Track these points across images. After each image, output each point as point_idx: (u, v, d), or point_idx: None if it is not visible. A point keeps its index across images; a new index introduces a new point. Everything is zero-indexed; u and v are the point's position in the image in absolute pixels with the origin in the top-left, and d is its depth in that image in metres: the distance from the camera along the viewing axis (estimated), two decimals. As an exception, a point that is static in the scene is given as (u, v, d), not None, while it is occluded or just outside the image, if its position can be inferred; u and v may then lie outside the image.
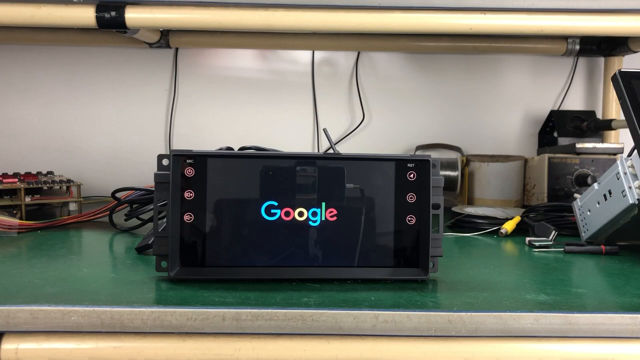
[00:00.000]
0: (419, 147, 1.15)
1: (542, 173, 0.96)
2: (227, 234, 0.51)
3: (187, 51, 1.17)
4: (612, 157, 0.95)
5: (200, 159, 0.51)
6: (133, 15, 0.73)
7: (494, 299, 0.48)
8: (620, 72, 0.62)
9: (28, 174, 0.88)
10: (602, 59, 1.16)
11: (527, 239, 0.72)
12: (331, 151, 0.57)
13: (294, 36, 1.09)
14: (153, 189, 0.63)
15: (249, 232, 0.51)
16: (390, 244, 0.53)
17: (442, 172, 1.03)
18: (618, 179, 0.63)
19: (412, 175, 0.53)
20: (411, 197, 0.53)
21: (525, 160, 1.05)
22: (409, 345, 0.45)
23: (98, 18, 0.73)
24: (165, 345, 0.44)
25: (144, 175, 1.07)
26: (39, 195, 0.85)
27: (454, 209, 0.89)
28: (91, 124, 1.17)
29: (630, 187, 0.61)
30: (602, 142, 1.01)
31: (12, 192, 0.82)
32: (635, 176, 0.62)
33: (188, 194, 0.51)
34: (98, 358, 0.44)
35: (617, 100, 0.66)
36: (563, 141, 1.06)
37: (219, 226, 0.51)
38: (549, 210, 0.81)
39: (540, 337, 0.45)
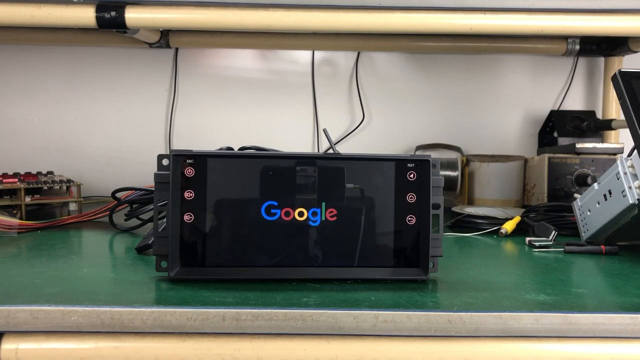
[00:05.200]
0: (419, 147, 1.15)
1: (542, 173, 0.96)
2: (227, 234, 0.51)
3: (187, 51, 1.17)
4: (612, 157, 0.95)
5: (200, 159, 0.51)
6: (133, 15, 0.74)
7: (494, 299, 0.48)
8: (620, 72, 0.62)
9: (28, 174, 0.88)
10: (602, 59, 1.16)
11: (527, 239, 0.72)
12: (331, 151, 0.57)
13: (294, 36, 1.09)
14: (153, 189, 0.63)
15: (249, 232, 0.51)
16: (390, 244, 0.53)
17: (442, 172, 1.03)
18: (618, 179, 0.63)
19: (412, 175, 0.53)
20: (411, 197, 0.53)
21: (525, 160, 1.05)
22: (409, 345, 0.45)
23: (98, 18, 0.73)
24: (165, 345, 0.44)
25: (144, 175, 1.06)
26: (39, 195, 0.85)
27: (454, 209, 0.89)
28: (91, 124, 1.17)
29: (630, 187, 0.61)
30: (602, 142, 1.01)
31: (12, 192, 0.82)
32: (635, 176, 0.62)
33: (188, 194, 0.51)
34: (98, 358, 0.44)
35: (617, 100, 0.66)
36: (563, 141, 1.06)
37: (219, 226, 0.51)
38: (549, 210, 0.81)
39: (540, 337, 0.45)
